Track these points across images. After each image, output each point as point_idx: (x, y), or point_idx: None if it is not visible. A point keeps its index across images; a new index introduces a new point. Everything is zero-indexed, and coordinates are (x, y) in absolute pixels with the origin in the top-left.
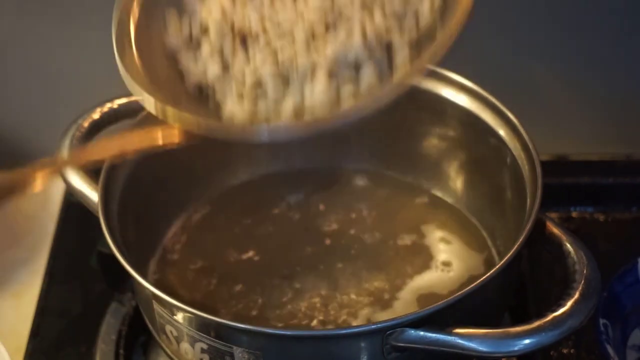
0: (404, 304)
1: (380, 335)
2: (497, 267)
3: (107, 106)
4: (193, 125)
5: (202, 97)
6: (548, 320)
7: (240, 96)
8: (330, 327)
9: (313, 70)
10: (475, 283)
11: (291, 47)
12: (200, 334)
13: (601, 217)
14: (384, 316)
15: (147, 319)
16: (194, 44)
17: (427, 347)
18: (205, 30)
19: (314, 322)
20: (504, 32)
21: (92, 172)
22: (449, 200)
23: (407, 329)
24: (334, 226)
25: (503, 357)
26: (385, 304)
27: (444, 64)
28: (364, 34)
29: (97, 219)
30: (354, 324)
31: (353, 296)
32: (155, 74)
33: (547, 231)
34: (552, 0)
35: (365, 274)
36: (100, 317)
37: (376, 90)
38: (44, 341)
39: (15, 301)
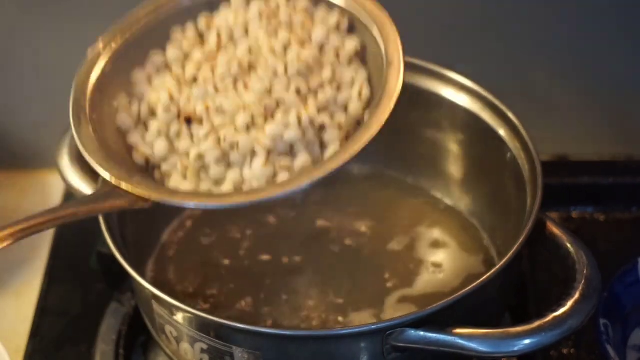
0: (404, 304)
1: (381, 335)
2: (498, 267)
3: None
4: (145, 196)
5: (149, 169)
6: (548, 321)
7: (184, 174)
8: (330, 327)
9: (252, 150)
10: (475, 283)
11: (233, 130)
12: (200, 334)
13: (601, 217)
14: (383, 317)
15: (146, 319)
16: (142, 124)
17: (427, 347)
18: (152, 112)
19: (314, 322)
20: (503, 32)
21: (91, 172)
22: (449, 200)
23: (407, 329)
24: (334, 226)
25: (503, 357)
26: (385, 305)
27: (444, 64)
28: (298, 118)
29: (97, 219)
30: (354, 324)
31: (352, 296)
32: (108, 147)
33: (548, 231)
34: (552, 0)
35: (365, 274)
36: (100, 317)
37: (309, 169)
38: (43, 341)
39: (15, 301)
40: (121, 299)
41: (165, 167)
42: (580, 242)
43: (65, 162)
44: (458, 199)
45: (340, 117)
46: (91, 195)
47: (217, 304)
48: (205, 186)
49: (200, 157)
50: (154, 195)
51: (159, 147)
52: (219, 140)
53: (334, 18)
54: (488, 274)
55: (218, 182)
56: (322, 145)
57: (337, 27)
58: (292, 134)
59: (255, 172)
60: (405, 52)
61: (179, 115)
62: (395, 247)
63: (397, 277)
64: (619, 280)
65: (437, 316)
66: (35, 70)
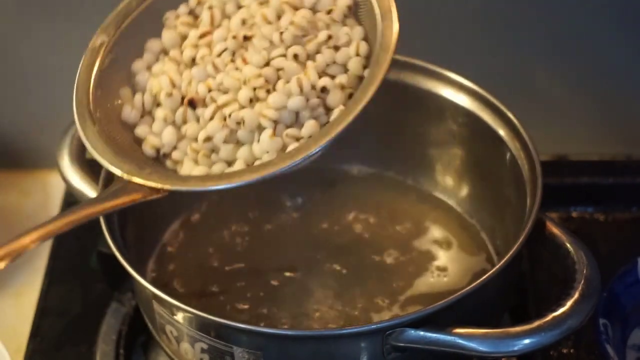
0: (403, 304)
1: (381, 335)
2: (497, 267)
3: None
4: (158, 186)
5: (160, 158)
6: (548, 320)
7: (195, 159)
8: (330, 327)
9: (259, 124)
10: (475, 283)
11: (237, 107)
12: (200, 333)
13: (601, 217)
14: (383, 317)
15: (147, 318)
16: (147, 115)
17: (427, 347)
18: (156, 102)
19: (314, 322)
20: (503, 32)
21: (91, 172)
22: (449, 200)
23: (407, 329)
24: (333, 226)
25: (503, 357)
26: (385, 305)
27: (444, 64)
28: (299, 85)
29: (97, 219)
30: (354, 324)
31: (352, 297)
32: (115, 143)
33: (547, 231)
34: (552, 0)
35: (364, 275)
36: (100, 317)
37: (316, 136)
38: (44, 341)
39: (16, 301)
40: (121, 299)
41: (176, 155)
42: (579, 242)
43: (66, 162)
44: (458, 199)
45: (342, 78)
46: (105, 192)
47: (217, 303)
48: (218, 168)
49: (209, 138)
50: (167, 185)
51: (167, 135)
52: (224, 119)
53: None
54: (488, 274)
55: (230, 162)
56: (328, 108)
57: None
58: (295, 102)
59: (263, 146)
60: (411, 52)
61: (182, 100)
62: (395, 247)
63: (397, 277)
64: (619, 280)
65: (436, 316)
66: (35, 71)
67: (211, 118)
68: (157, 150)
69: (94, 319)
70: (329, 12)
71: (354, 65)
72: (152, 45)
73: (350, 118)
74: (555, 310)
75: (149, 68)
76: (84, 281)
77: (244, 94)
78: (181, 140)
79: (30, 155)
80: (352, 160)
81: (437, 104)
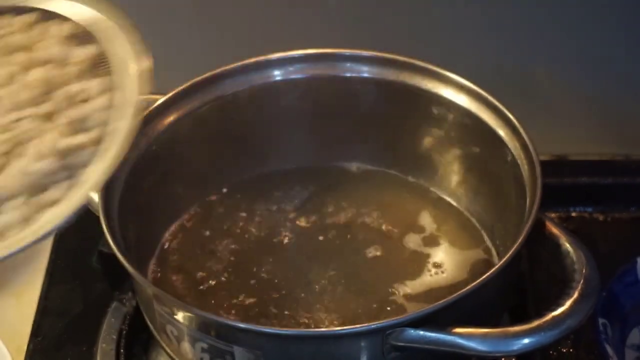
0: (403, 303)
1: (380, 334)
2: (497, 267)
3: None
4: None
5: None
6: (547, 320)
7: None
8: (330, 326)
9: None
10: (474, 283)
11: None
12: (201, 333)
13: (600, 217)
14: (383, 316)
15: (147, 318)
16: None
17: (426, 346)
18: None
19: (314, 322)
20: (503, 32)
21: None
22: (449, 200)
23: (407, 328)
24: (333, 226)
25: (502, 356)
26: (385, 305)
27: (443, 64)
28: (40, 151)
29: (98, 218)
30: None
31: (351, 296)
32: None
33: (547, 231)
34: (552, 0)
35: (364, 274)
36: (101, 317)
37: (66, 198)
38: (45, 340)
39: (17, 301)
40: (122, 299)
41: None
42: (579, 242)
43: None
44: (458, 199)
45: (89, 135)
46: None
47: (218, 303)
48: None
49: None
50: None
51: None
52: None
53: (63, 29)
54: (487, 274)
55: None
56: (76, 168)
57: (69, 38)
58: (36, 168)
59: (8, 218)
60: (411, 53)
61: None
62: (395, 246)
63: (397, 275)
64: (618, 279)
65: (436, 316)
66: None
67: None
68: None
69: (95, 318)
70: (68, 65)
71: (99, 119)
72: None
73: (101, 175)
74: (554, 310)
75: None
76: (85, 281)
77: None
78: None
79: None
80: (352, 159)
81: (437, 104)
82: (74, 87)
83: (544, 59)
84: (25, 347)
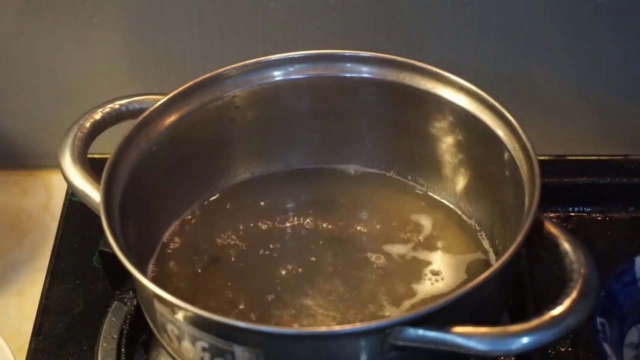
0: (402, 304)
1: (380, 334)
2: (496, 266)
3: (109, 107)
4: None
5: None
6: (546, 320)
7: None
8: (329, 326)
9: None
10: (474, 282)
11: None
12: (201, 332)
13: (599, 217)
14: (382, 316)
15: (148, 317)
16: None
17: (426, 345)
18: None
19: (314, 321)
20: (503, 32)
21: (94, 172)
22: (448, 200)
23: (406, 327)
24: (332, 227)
25: (502, 355)
26: (384, 304)
27: (443, 65)
28: None
29: (99, 218)
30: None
31: (350, 295)
32: None
33: (545, 231)
34: (551, 0)
35: (363, 275)
36: (102, 316)
37: None
38: (46, 340)
39: (18, 300)
40: (123, 298)
41: None
42: (578, 242)
43: (68, 161)
44: (456, 200)
45: None
46: None
47: (218, 302)
48: None
49: None
50: None
51: None
52: None
53: None
54: (486, 273)
55: None
56: None
57: None
58: None
59: None
60: (411, 53)
61: None
62: (394, 246)
63: (395, 277)
64: (616, 279)
65: (435, 315)
66: (38, 72)
67: None
68: None
69: (96, 317)
70: None
71: None
72: None
73: None
74: (553, 310)
75: None
76: (86, 280)
77: None
78: None
79: (32, 155)
80: (350, 161)
81: (436, 104)
82: None
83: (542, 60)
84: (26, 346)
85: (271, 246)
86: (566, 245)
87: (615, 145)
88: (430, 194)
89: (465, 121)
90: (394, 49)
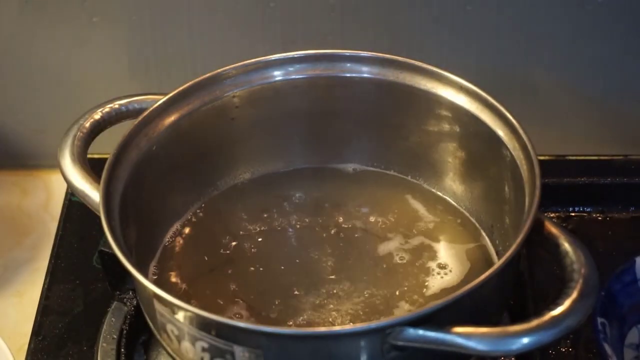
0: (403, 303)
1: (380, 334)
2: (496, 266)
3: (108, 107)
4: None
5: None
6: (546, 320)
7: None
8: (329, 326)
9: None
10: (474, 283)
11: None
12: (201, 332)
13: (599, 217)
14: (382, 315)
15: (148, 317)
16: None
17: (426, 345)
18: None
19: (314, 321)
20: (503, 32)
21: (93, 172)
22: (448, 200)
23: (406, 327)
24: (333, 226)
25: (502, 356)
26: (384, 304)
27: (443, 65)
28: None
29: (99, 218)
30: (353, 323)
31: (351, 295)
32: None
33: (546, 231)
34: (551, 0)
35: (364, 275)
36: (101, 316)
37: None
38: (45, 340)
39: (18, 300)
40: (122, 298)
41: None
42: (578, 242)
43: (67, 162)
44: (457, 199)
45: None
46: None
47: (218, 302)
48: None
49: None
50: None
51: None
52: None
53: None
54: (487, 273)
55: None
56: None
57: None
58: None
59: None
60: (411, 53)
61: None
62: (394, 246)
63: (396, 275)
64: (617, 279)
65: (436, 315)
66: (38, 71)
67: None
68: None
69: (96, 318)
70: None
71: None
72: None
73: None
74: (553, 310)
75: None
76: (86, 280)
77: None
78: None
79: (32, 155)
80: (351, 160)
81: (437, 104)
82: None
83: (542, 60)
84: (26, 346)
85: (272, 246)
86: (566, 245)
87: (616, 145)
88: (431, 191)
89: (465, 121)
90: (394, 49)
